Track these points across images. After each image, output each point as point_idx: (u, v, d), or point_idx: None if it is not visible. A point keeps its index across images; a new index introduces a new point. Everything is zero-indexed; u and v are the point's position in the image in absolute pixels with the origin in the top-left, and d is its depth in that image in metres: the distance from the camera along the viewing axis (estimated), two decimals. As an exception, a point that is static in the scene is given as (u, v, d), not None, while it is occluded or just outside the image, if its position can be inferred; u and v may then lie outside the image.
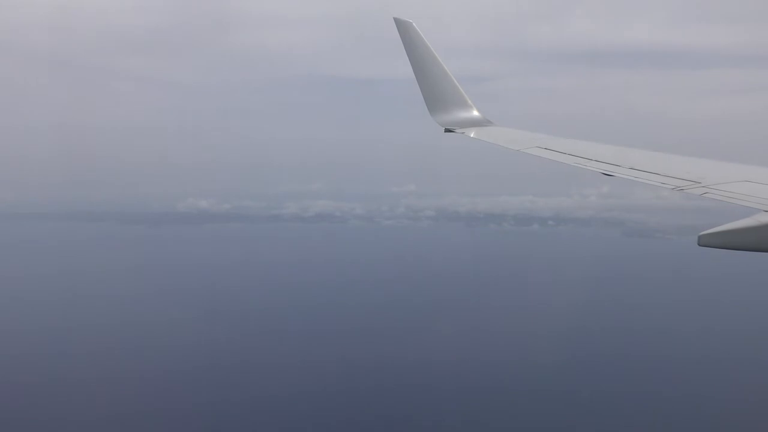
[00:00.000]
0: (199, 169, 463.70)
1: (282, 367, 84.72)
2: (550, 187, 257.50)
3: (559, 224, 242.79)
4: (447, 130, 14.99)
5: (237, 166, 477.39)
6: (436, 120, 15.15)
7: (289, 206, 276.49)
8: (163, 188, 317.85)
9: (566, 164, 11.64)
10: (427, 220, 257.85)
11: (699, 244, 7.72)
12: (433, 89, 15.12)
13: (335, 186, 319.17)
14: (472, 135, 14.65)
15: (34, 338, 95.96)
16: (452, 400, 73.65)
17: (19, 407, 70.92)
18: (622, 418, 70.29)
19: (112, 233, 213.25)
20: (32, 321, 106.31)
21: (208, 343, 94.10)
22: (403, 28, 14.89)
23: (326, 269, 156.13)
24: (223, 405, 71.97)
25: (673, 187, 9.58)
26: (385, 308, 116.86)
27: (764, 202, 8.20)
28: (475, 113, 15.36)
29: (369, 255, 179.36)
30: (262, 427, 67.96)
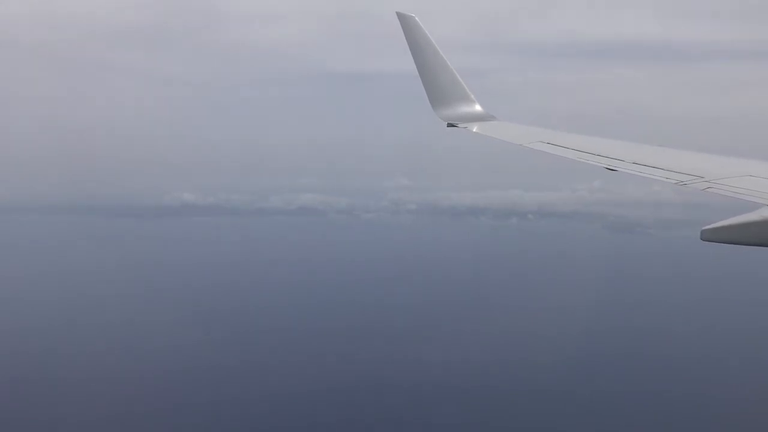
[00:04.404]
0: (188, 162, 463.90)
1: (280, 366, 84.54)
2: (545, 182, 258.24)
3: (540, 218, 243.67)
4: (450, 125, 14.96)
5: (227, 161, 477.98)
6: (439, 115, 15.07)
7: (274, 200, 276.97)
8: (149, 182, 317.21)
9: (570, 159, 11.65)
10: (407, 214, 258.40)
11: (702, 239, 7.73)
12: (436, 84, 15.05)
13: (326, 180, 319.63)
14: (474, 130, 14.62)
15: (24, 336, 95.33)
16: (452, 399, 73.62)
17: (18, 407, 70.84)
18: (622, 418, 70.28)
19: (99, 227, 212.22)
20: (20, 318, 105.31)
21: (197, 341, 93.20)
22: (405, 22, 14.82)
23: (304, 265, 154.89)
24: (222, 404, 71.89)
25: (676, 182, 9.59)
26: (360, 305, 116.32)
27: (767, 196, 8.20)
28: (478, 108, 15.30)
29: (347, 250, 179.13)
30: (260, 427, 67.87)
